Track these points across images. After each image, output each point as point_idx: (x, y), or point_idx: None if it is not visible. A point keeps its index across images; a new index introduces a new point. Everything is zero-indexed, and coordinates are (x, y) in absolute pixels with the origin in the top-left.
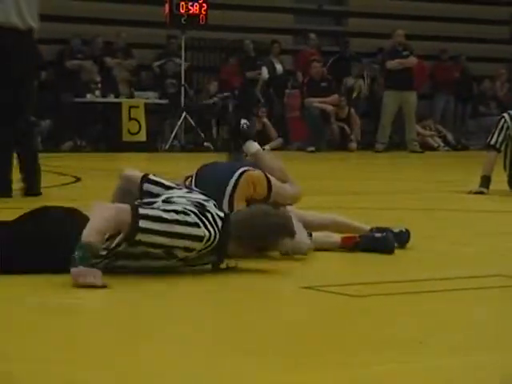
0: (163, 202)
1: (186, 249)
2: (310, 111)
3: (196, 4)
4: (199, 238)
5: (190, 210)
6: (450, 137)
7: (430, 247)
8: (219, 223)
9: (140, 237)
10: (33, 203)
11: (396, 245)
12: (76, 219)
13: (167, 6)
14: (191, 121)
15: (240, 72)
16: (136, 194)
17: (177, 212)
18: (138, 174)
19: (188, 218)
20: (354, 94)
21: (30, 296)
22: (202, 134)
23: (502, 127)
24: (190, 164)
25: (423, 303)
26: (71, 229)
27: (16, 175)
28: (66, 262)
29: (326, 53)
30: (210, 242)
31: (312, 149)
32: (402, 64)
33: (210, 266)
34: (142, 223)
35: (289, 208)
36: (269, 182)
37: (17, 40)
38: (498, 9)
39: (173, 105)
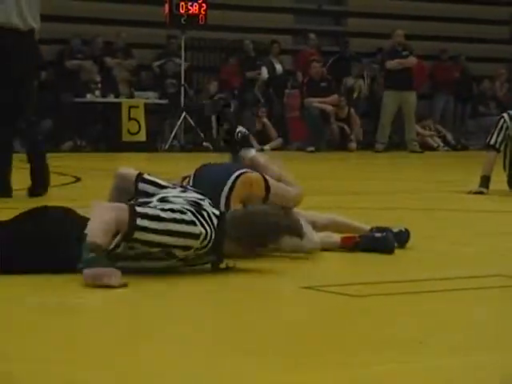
0: (159, 201)
1: (184, 247)
2: (309, 111)
3: (196, 4)
4: (196, 236)
5: (187, 209)
6: (449, 137)
7: (430, 247)
8: (215, 221)
9: (137, 235)
10: (33, 203)
11: (396, 245)
12: (75, 219)
13: (167, 6)
14: (191, 121)
15: (240, 72)
16: (132, 192)
17: (173, 211)
18: (132, 172)
19: (184, 217)
20: (355, 95)
21: (30, 296)
22: (202, 134)
23: (502, 127)
24: (189, 164)
25: (423, 303)
26: (71, 229)
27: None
28: (65, 262)
29: (326, 53)
30: (206, 241)
31: (312, 149)
32: (402, 64)
33: (210, 266)
34: (140, 221)
35: (295, 210)
36: (266, 183)
37: (17, 40)
38: (498, 9)
39: (173, 105)
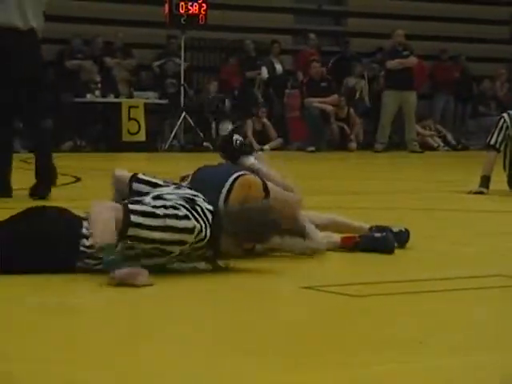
0: (152, 198)
1: (179, 242)
2: (309, 111)
3: (196, 4)
4: (190, 231)
5: (180, 204)
6: (449, 137)
7: (430, 247)
8: (209, 216)
9: (132, 232)
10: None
11: (396, 244)
12: (70, 219)
13: (167, 6)
14: (191, 121)
15: (240, 72)
16: (127, 193)
17: (166, 207)
18: (126, 174)
19: (178, 212)
20: (357, 95)
21: (30, 296)
22: (202, 134)
23: (502, 127)
24: (189, 164)
25: (423, 303)
26: (67, 228)
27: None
28: (65, 262)
29: (326, 53)
30: (202, 235)
31: (312, 149)
32: (403, 64)
33: (209, 266)
34: (134, 218)
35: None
36: (265, 185)
37: (17, 40)
38: (498, 9)
39: (172, 105)
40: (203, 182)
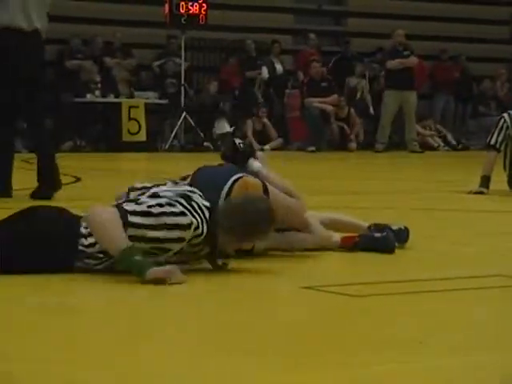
0: (148, 197)
1: (178, 239)
2: (309, 111)
3: (196, 4)
4: (187, 227)
5: (175, 200)
6: (450, 137)
7: (429, 247)
8: (206, 213)
9: (131, 232)
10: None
11: (396, 243)
12: (69, 218)
13: (167, 5)
14: (191, 121)
15: (240, 72)
16: None
17: (161, 205)
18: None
19: (174, 209)
20: (358, 95)
21: (30, 296)
22: (202, 134)
23: (502, 127)
24: (189, 164)
25: (423, 303)
26: (68, 228)
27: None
28: (64, 262)
29: (326, 53)
30: (198, 231)
31: (312, 149)
32: (403, 64)
33: (209, 267)
34: (131, 218)
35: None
36: (265, 187)
37: (21, 41)
38: (498, 9)
39: (173, 105)
40: (203, 182)
